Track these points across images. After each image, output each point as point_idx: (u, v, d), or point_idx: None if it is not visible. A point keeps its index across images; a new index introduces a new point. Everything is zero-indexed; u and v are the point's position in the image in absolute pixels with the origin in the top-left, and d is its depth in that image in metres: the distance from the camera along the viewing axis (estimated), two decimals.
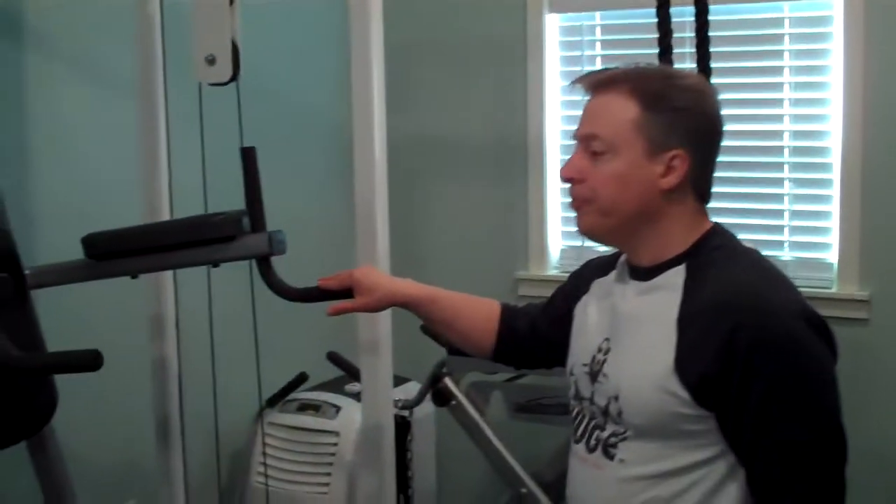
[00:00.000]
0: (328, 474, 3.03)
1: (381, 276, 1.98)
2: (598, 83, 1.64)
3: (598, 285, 1.77)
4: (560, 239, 3.52)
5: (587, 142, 1.63)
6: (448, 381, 2.79)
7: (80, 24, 2.67)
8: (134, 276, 2.11)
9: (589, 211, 1.65)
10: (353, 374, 2.92)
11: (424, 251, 3.63)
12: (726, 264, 1.59)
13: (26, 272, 2.07)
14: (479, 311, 1.93)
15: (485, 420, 2.79)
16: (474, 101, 3.57)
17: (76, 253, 2.12)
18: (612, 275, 1.74)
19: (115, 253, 2.06)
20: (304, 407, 3.14)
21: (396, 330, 2.27)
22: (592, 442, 1.65)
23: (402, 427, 2.79)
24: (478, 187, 3.60)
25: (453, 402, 2.79)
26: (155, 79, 2.39)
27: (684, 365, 1.51)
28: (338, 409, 3.09)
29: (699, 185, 1.62)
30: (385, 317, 2.19)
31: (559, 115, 3.45)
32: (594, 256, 1.88)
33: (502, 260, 3.55)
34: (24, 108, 2.55)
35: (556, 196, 3.48)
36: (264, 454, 3.02)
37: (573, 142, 1.68)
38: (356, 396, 3.09)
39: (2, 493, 2.55)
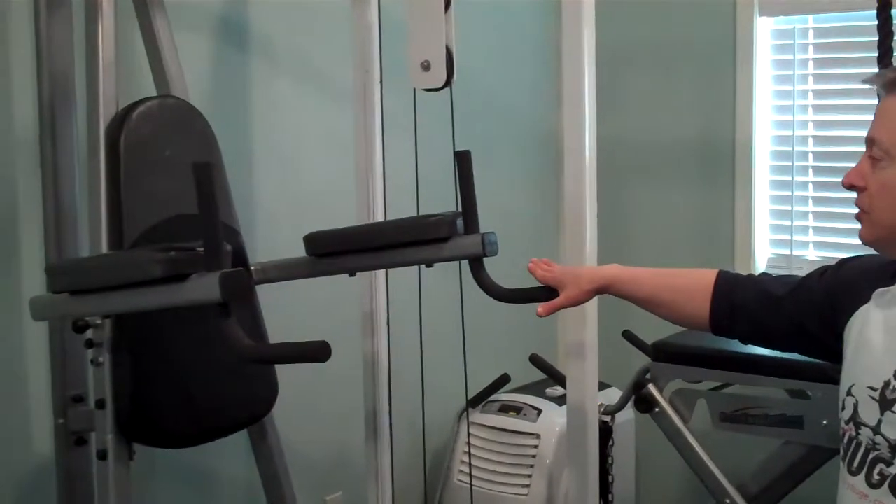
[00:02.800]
0: (528, 476, 3.05)
1: (579, 267, 1.95)
2: (888, 83, 1.50)
3: (882, 296, 1.54)
4: (768, 247, 3.44)
5: (870, 146, 1.50)
6: (652, 388, 2.76)
7: (299, 31, 2.78)
8: (352, 274, 2.19)
9: (865, 222, 1.52)
10: (555, 377, 2.93)
11: (628, 255, 3.58)
12: None
13: (252, 268, 2.22)
14: (689, 281, 1.80)
15: (688, 427, 2.75)
16: (680, 105, 3.51)
17: (292, 252, 2.21)
18: None
19: (336, 251, 2.12)
20: (506, 408, 3.16)
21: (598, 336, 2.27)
22: (875, 477, 1.47)
23: (604, 432, 2.77)
24: (683, 192, 3.54)
25: (656, 409, 2.75)
26: (371, 85, 2.44)
27: None
28: (539, 411, 3.11)
29: None
30: (591, 319, 2.17)
31: (769, 121, 3.37)
32: (833, 262, 1.70)
33: (707, 266, 3.48)
34: (248, 113, 2.68)
35: (764, 203, 3.39)
36: (468, 453, 3.06)
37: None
38: (557, 400, 3.12)
39: (225, 476, 2.69)
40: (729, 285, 1.76)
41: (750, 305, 1.72)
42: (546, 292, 1.94)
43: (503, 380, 3.20)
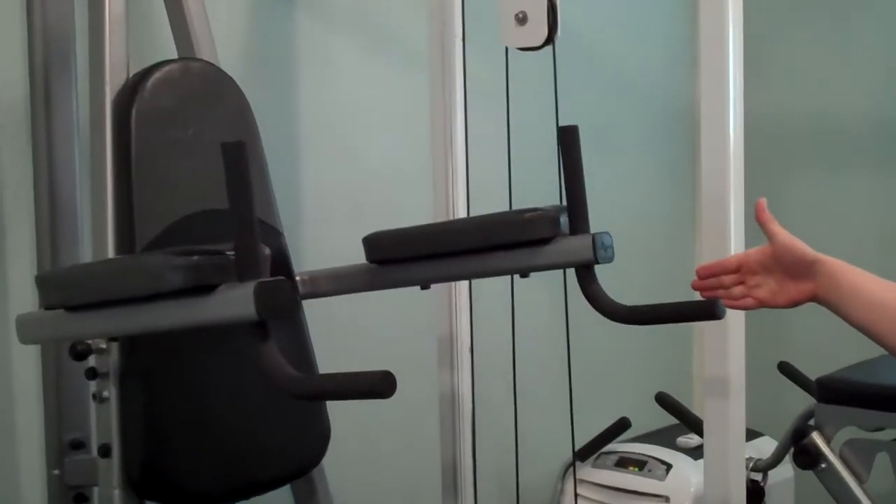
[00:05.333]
0: None
1: (804, 247, 1.87)
2: None
3: None
4: None
5: None
6: (817, 438, 2.72)
7: None
8: (424, 287, 2.17)
9: None
10: (688, 422, 2.89)
11: None
12: None
13: (297, 278, 2.23)
14: None
15: (864, 489, 2.71)
16: (857, 68, 3.47)
17: (349, 258, 2.22)
18: None
19: (404, 257, 2.12)
20: (625, 462, 3.16)
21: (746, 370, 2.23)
22: None
23: (754, 494, 2.74)
24: (859, 183, 3.49)
25: (823, 465, 2.72)
26: (451, 44, 2.46)
27: None
28: (668, 466, 3.10)
29: None
30: (736, 347, 2.15)
31: None
32: None
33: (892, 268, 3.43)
34: (294, 81, 2.69)
35: None
36: None
37: None
38: (692, 452, 3.11)
39: None
40: None
41: None
42: (704, 309, 1.92)
43: (622, 425, 3.17)
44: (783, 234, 1.85)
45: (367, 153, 2.84)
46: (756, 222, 1.87)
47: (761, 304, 1.89)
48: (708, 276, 1.93)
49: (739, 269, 1.90)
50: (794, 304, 1.86)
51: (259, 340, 1.58)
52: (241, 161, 1.54)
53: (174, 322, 1.68)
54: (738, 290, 1.90)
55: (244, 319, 1.57)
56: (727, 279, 1.91)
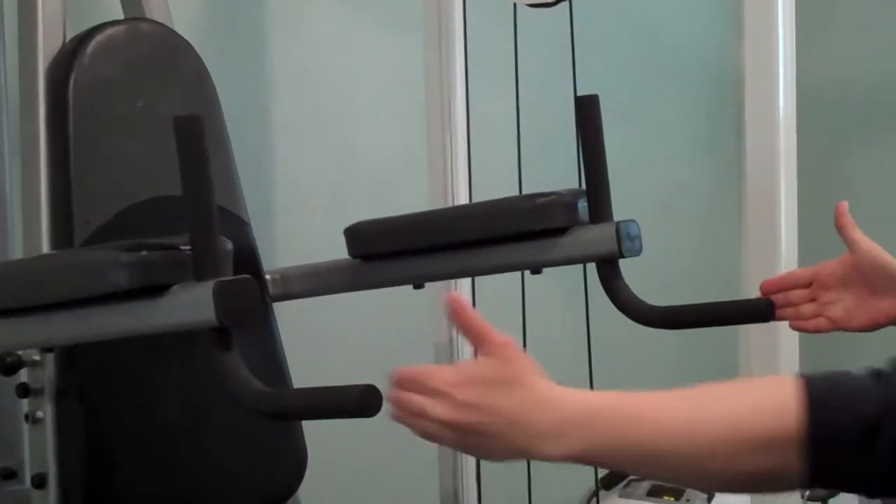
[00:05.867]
0: None
1: (891, 258, 1.81)
2: None
3: None
4: None
5: None
6: None
7: None
8: (417, 286, 2.16)
9: None
10: None
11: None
12: None
13: (266, 277, 2.21)
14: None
15: None
16: None
17: (330, 252, 2.20)
18: None
19: (392, 251, 2.11)
20: (659, 491, 3.16)
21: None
22: None
23: None
24: None
25: None
26: (450, 5, 2.46)
27: None
28: (710, 496, 3.10)
29: None
30: (788, 353, 2.15)
31: None
32: None
33: None
34: (264, 46, 2.69)
35: None
36: None
37: None
38: None
39: None
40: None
41: None
42: (755, 309, 1.89)
43: None
44: (866, 243, 1.82)
45: (351, 130, 2.84)
46: (835, 227, 1.84)
47: (835, 327, 1.85)
48: (774, 292, 1.89)
49: (812, 283, 1.87)
50: (875, 326, 1.82)
51: (220, 350, 1.57)
52: (197, 138, 1.53)
53: (120, 329, 1.67)
54: (808, 308, 1.87)
55: (202, 326, 1.55)
56: (796, 295, 1.88)
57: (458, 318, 1.46)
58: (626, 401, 1.32)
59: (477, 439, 1.36)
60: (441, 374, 1.38)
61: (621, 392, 1.33)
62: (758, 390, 1.30)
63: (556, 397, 1.34)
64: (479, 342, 1.43)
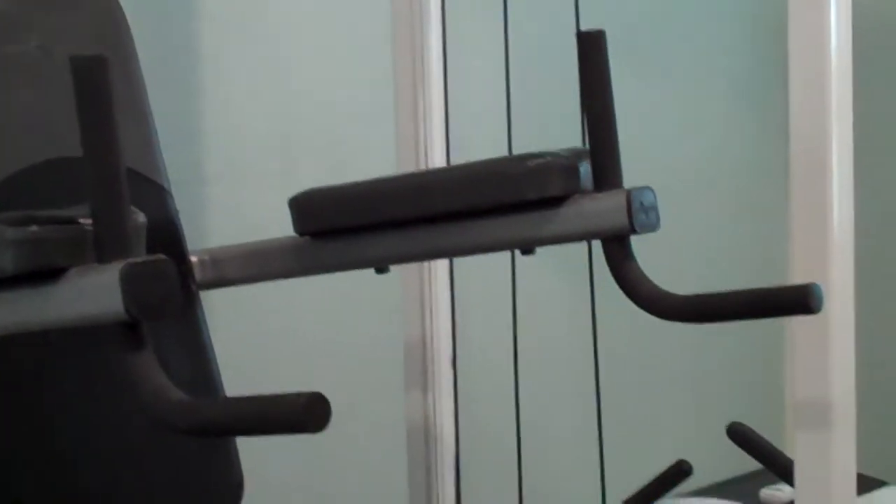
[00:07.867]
0: None
1: None
2: None
3: None
4: None
5: None
6: None
7: None
8: (380, 270, 2.14)
9: None
10: (776, 466, 2.88)
11: None
12: None
13: (193, 258, 2.20)
14: None
15: None
16: None
17: (276, 229, 2.19)
18: None
19: (349, 226, 2.09)
20: None
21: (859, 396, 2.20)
22: None
23: None
24: None
25: None
26: None
27: None
28: None
29: None
30: (843, 364, 2.12)
31: None
32: None
33: None
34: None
35: None
36: None
37: None
38: None
39: None
40: None
41: None
42: (793, 298, 1.86)
43: (679, 471, 3.16)
44: None
45: (301, 80, 2.86)
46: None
47: None
48: None
49: None
50: None
51: (129, 350, 1.55)
52: (100, 83, 1.51)
53: (5, 323, 1.66)
54: None
55: (107, 319, 1.54)
56: None
57: None
58: None
59: None
60: None
61: None
62: None
63: None
64: None
